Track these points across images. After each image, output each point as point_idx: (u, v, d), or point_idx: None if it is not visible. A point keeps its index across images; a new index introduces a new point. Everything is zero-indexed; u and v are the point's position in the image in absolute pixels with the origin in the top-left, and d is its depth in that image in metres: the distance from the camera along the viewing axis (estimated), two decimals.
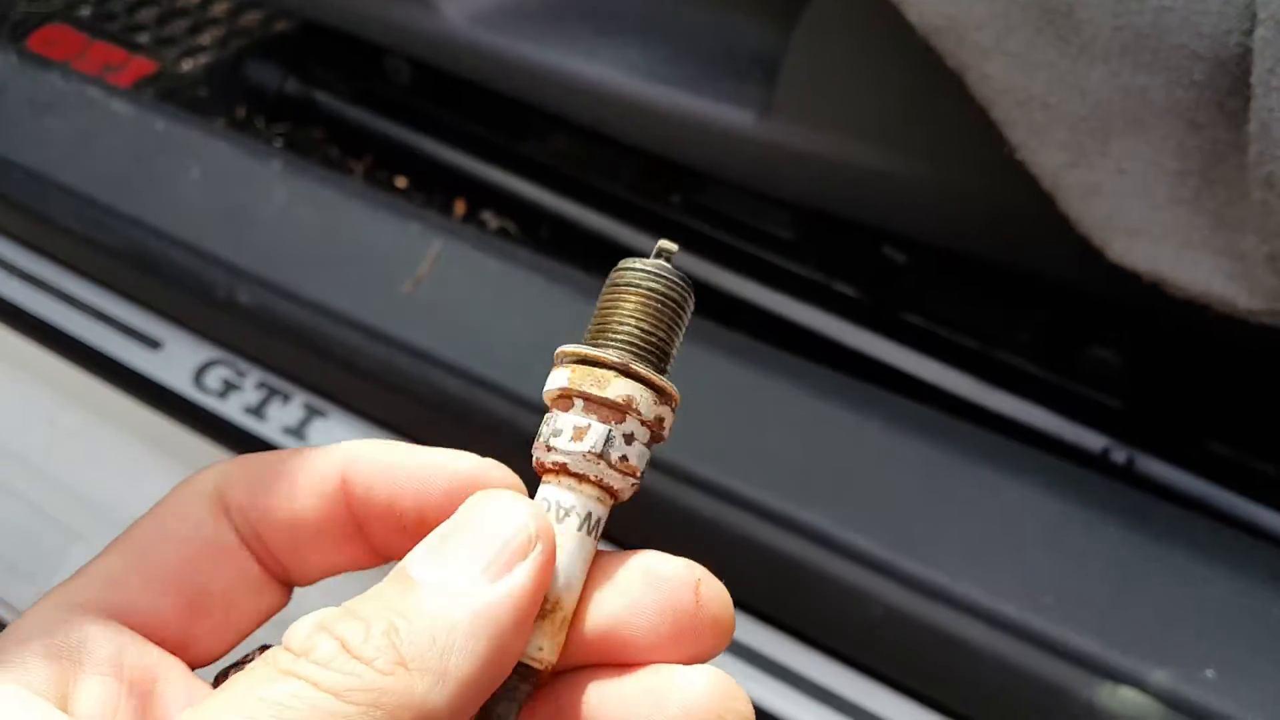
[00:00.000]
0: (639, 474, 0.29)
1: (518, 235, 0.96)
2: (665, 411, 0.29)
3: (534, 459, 0.30)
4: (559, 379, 0.30)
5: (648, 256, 0.31)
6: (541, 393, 0.31)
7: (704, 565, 0.66)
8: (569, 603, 0.28)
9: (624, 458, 0.29)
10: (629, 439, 0.29)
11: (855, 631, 0.61)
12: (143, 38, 1.22)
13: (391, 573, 0.26)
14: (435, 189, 0.99)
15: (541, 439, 0.29)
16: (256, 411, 0.77)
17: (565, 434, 0.29)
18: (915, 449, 0.64)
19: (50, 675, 0.27)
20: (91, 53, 1.20)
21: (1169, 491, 0.72)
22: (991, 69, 0.57)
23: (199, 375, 0.79)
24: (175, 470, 0.82)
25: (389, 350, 0.72)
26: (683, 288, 0.30)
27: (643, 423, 0.29)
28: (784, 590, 0.63)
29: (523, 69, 0.84)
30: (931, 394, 0.79)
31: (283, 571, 0.32)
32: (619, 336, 0.29)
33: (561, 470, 0.29)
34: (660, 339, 0.30)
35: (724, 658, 0.65)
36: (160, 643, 0.30)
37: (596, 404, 0.29)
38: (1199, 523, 0.60)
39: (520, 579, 0.26)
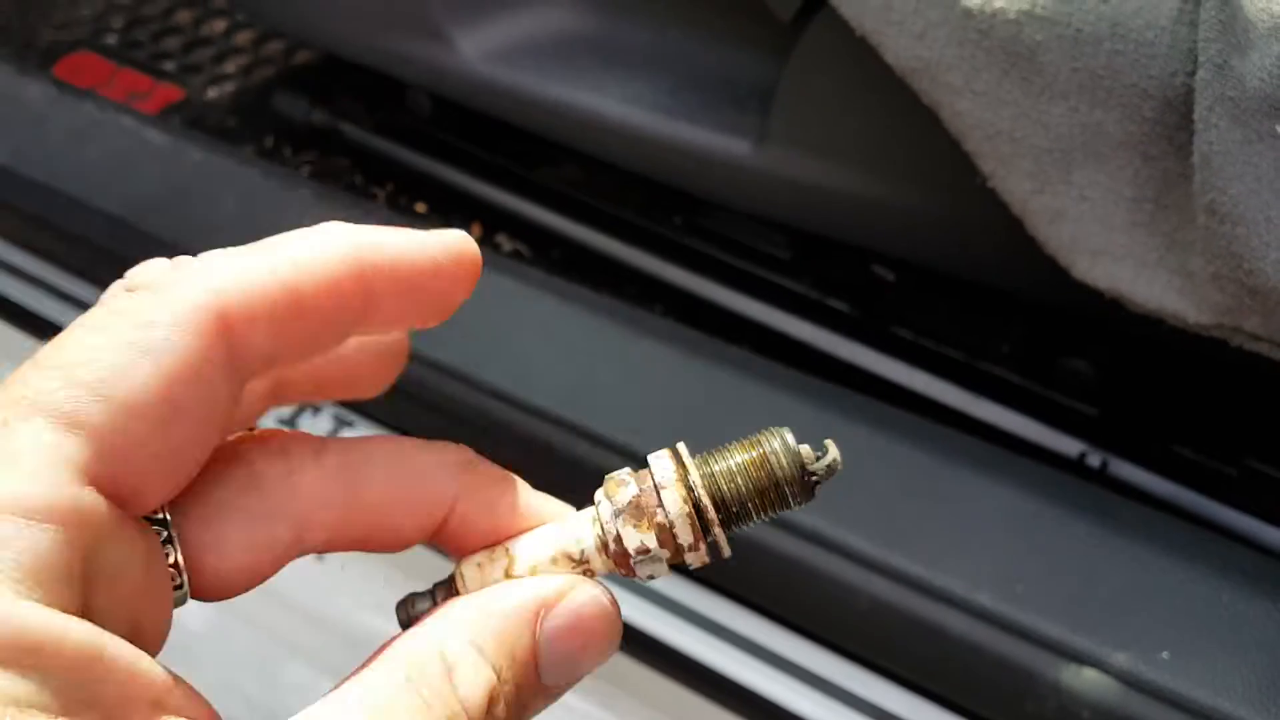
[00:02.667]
0: (630, 560, 0.32)
1: (530, 257, 1.01)
2: (697, 546, 0.32)
3: (603, 500, 0.32)
4: (674, 504, 0.31)
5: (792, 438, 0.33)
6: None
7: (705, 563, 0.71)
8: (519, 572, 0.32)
9: (636, 542, 0.31)
10: (645, 531, 0.31)
11: (844, 622, 0.66)
12: (168, 65, 1.27)
13: (523, 633, 0.30)
14: (453, 214, 1.04)
15: (619, 508, 0.32)
16: (290, 422, 0.82)
17: (622, 489, 0.32)
18: (902, 454, 0.68)
19: (77, 592, 0.25)
20: (118, 80, 1.25)
21: (1140, 492, 0.77)
22: (962, 106, 0.62)
23: None
24: None
25: (410, 364, 0.76)
26: (796, 489, 0.32)
27: (674, 535, 0.31)
28: (776, 584, 0.67)
29: (535, 103, 0.89)
30: (918, 402, 0.83)
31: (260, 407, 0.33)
32: (713, 469, 0.32)
33: (598, 510, 0.33)
34: (743, 497, 0.32)
35: (727, 647, 0.69)
36: (135, 513, 0.28)
37: (674, 548, 0.31)
38: (1159, 518, 0.65)
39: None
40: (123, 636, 0.26)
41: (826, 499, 0.66)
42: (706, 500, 0.31)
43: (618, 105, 0.87)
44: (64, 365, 0.27)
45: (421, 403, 0.76)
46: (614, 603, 0.32)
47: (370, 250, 0.30)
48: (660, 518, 0.31)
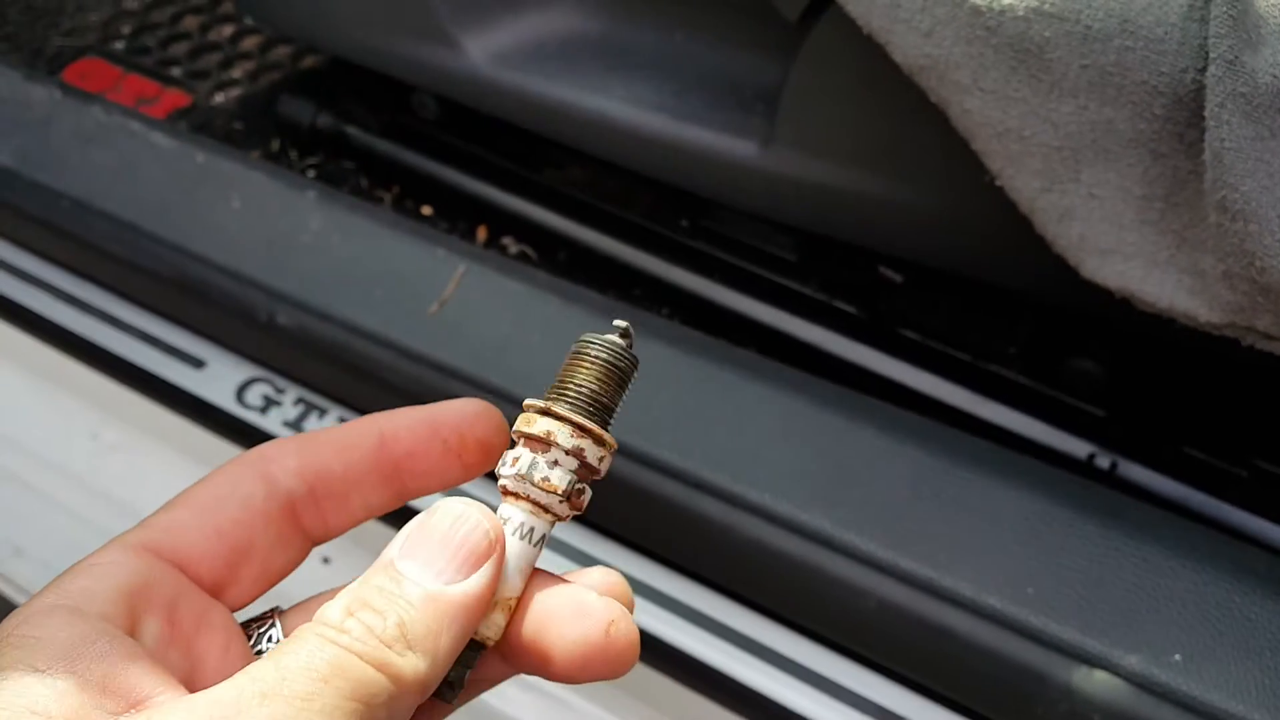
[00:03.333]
0: (564, 494, 0.36)
1: (536, 259, 1.00)
2: (590, 447, 0.36)
3: (522, 496, 0.37)
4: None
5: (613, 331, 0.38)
6: None
7: (713, 565, 0.71)
8: (511, 593, 0.36)
9: (546, 479, 0.36)
10: (552, 464, 0.36)
11: (851, 624, 0.65)
12: (175, 71, 1.27)
13: (380, 564, 0.34)
14: (459, 216, 1.04)
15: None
16: (295, 425, 0.82)
17: (506, 463, 0.37)
18: (910, 455, 0.68)
19: (122, 611, 0.33)
20: (125, 86, 1.25)
21: (1149, 494, 0.76)
22: (970, 104, 0.62)
23: (241, 392, 0.84)
24: None
25: (417, 367, 0.76)
26: (624, 358, 0.37)
27: (567, 452, 0.36)
28: (785, 587, 0.67)
29: (541, 105, 0.89)
30: (926, 404, 0.83)
31: (319, 524, 0.39)
32: (563, 392, 0.37)
33: (504, 490, 0.37)
34: (595, 393, 0.37)
35: (732, 648, 0.69)
36: (207, 586, 0.36)
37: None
38: (1169, 520, 0.64)
39: (485, 576, 0.34)
40: (176, 664, 0.34)
41: (834, 501, 0.66)
42: (589, 423, 0.36)
43: (624, 107, 0.86)
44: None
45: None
46: (472, 504, 0.35)
47: (388, 419, 0.39)
48: (567, 460, 0.36)
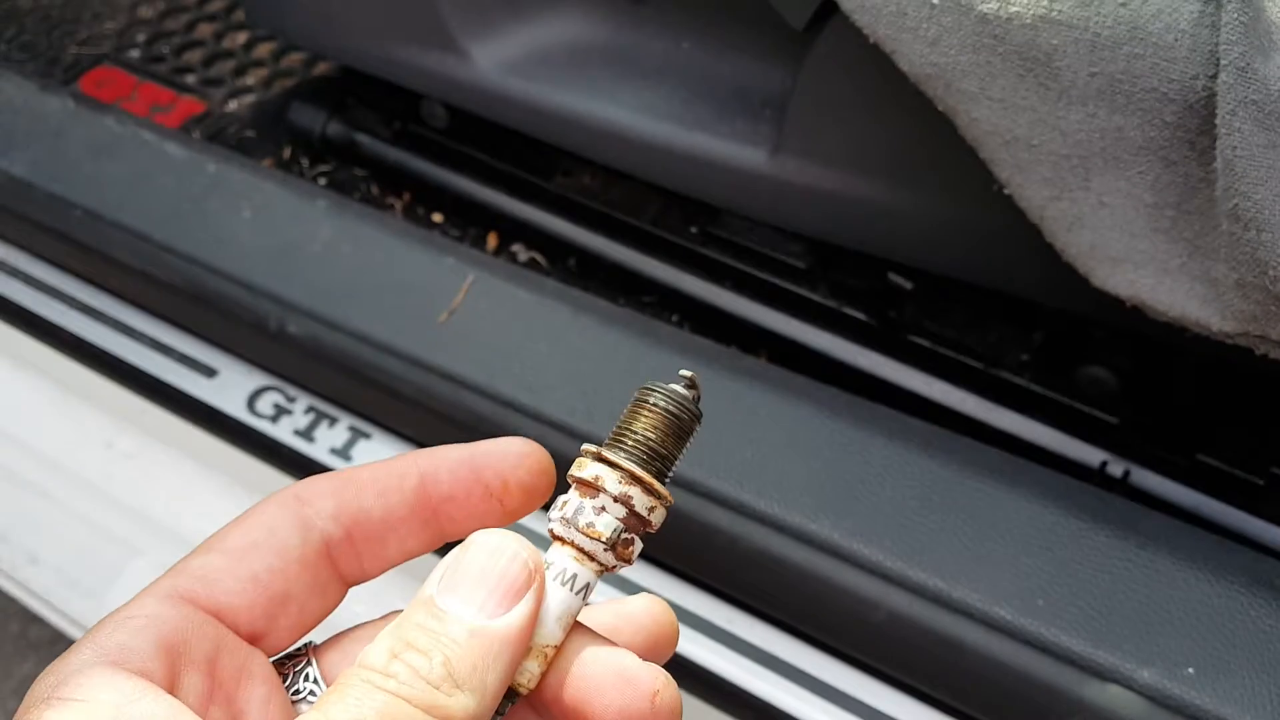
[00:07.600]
0: (609, 542, 0.35)
1: (546, 266, 1.00)
2: (639, 495, 0.35)
3: (570, 539, 0.36)
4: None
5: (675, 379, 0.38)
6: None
7: (720, 574, 0.71)
8: (549, 641, 0.35)
9: (590, 525, 0.35)
10: (598, 511, 0.35)
11: (860, 634, 0.65)
12: (190, 79, 1.28)
13: (419, 601, 0.33)
14: (469, 224, 1.04)
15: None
16: (306, 434, 0.82)
17: (556, 506, 0.36)
18: (920, 464, 0.67)
19: (162, 667, 0.32)
20: (141, 94, 1.26)
21: (1163, 502, 0.75)
22: (978, 113, 0.61)
23: (252, 400, 0.85)
24: (229, 488, 0.87)
25: (426, 376, 0.76)
26: (685, 410, 0.37)
27: (614, 499, 0.35)
28: (794, 597, 0.67)
29: (549, 113, 0.89)
30: (937, 411, 0.83)
31: (355, 568, 0.38)
32: (619, 439, 0.36)
33: (551, 534, 0.36)
34: (651, 442, 0.36)
35: (740, 657, 0.69)
36: (245, 635, 0.36)
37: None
38: (1182, 529, 0.64)
39: (527, 607, 0.33)
40: (219, 719, 0.33)
41: (843, 510, 0.65)
42: (641, 472, 0.35)
43: (632, 115, 0.86)
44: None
45: (436, 414, 0.76)
46: (508, 535, 0.35)
47: (428, 459, 0.39)
48: (615, 507, 0.35)
